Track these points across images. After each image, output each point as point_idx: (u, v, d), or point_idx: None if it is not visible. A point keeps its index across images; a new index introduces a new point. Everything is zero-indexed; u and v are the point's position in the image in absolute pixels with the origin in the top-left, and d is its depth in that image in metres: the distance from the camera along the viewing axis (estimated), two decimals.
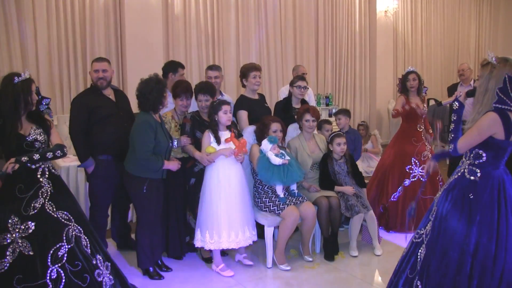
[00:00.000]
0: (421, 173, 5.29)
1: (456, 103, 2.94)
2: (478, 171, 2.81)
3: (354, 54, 9.77)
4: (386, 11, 9.93)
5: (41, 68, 6.39)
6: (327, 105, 9.27)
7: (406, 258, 3.05)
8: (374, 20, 9.86)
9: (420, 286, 2.86)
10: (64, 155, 3.38)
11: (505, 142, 2.74)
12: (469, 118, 2.83)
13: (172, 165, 4.01)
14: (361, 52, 9.87)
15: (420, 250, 2.95)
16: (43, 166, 3.26)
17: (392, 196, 5.32)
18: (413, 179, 5.29)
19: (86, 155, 4.26)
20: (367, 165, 7.56)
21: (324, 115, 8.59)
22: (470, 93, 2.96)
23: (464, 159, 2.93)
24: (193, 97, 4.46)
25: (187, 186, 4.43)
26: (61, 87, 6.58)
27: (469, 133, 2.79)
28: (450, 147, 2.89)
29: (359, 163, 7.21)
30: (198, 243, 4.17)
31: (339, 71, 9.59)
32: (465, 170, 2.87)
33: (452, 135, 2.88)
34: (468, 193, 2.80)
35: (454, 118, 2.91)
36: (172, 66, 4.91)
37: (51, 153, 3.26)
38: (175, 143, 4.19)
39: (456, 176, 2.92)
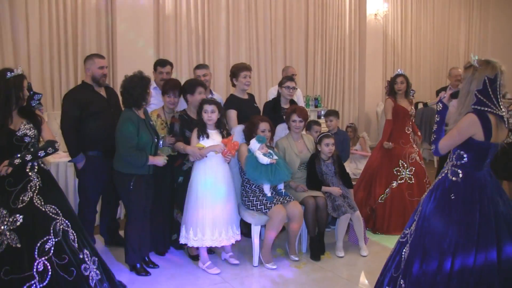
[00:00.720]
0: (408, 175, 5.35)
1: (440, 105, 3.00)
2: (460, 172, 2.86)
3: (344, 56, 9.84)
4: (376, 14, 10.01)
5: (33, 64, 6.40)
6: (316, 106, 9.32)
7: (392, 257, 3.10)
8: (364, 22, 9.93)
9: (403, 285, 2.90)
10: (56, 151, 3.41)
11: (485, 143, 2.79)
12: (451, 120, 2.88)
13: (158, 160, 4.02)
14: (351, 55, 9.94)
15: (404, 250, 2.99)
16: None
17: (379, 198, 5.37)
18: (401, 181, 5.35)
19: (76, 151, 4.29)
20: (355, 167, 7.63)
21: (313, 116, 8.64)
22: (454, 95, 3.00)
23: (448, 160, 2.98)
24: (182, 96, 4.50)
25: (175, 184, 4.45)
26: (52, 84, 6.58)
27: (450, 134, 2.85)
28: (432, 147, 2.95)
29: (347, 164, 7.25)
30: (182, 240, 4.20)
31: (328, 73, 9.66)
32: (448, 171, 2.92)
33: (435, 136, 2.94)
34: (449, 194, 2.84)
35: (437, 119, 2.97)
36: (154, 64, 4.99)
37: (43, 151, 3.29)
38: (161, 142, 4.22)
39: (440, 177, 2.98)
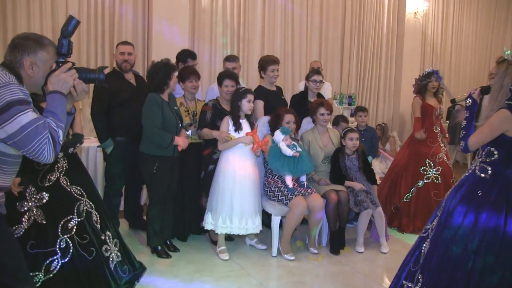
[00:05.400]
0: (435, 175, 5.26)
1: (469, 100, 2.90)
2: (489, 168, 2.74)
3: (380, 55, 9.68)
4: (415, 13, 9.79)
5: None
6: (349, 104, 9.25)
7: (411, 252, 3.05)
8: (403, 21, 9.72)
9: (421, 280, 2.84)
10: (81, 143, 3.62)
11: None
12: (482, 115, 2.78)
13: (182, 141, 4.12)
14: (387, 54, 9.77)
15: (424, 244, 2.93)
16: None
17: (404, 197, 5.32)
18: (427, 181, 5.28)
19: (105, 137, 4.44)
20: (385, 166, 7.53)
21: (346, 114, 8.60)
22: (485, 90, 2.90)
23: (476, 157, 2.87)
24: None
25: (205, 171, 4.51)
26: None
27: (481, 130, 2.74)
28: (461, 144, 2.85)
29: (377, 163, 7.23)
30: (208, 226, 4.28)
31: (363, 71, 9.53)
32: (476, 168, 2.81)
33: (464, 132, 2.83)
34: (476, 190, 2.73)
35: (467, 115, 2.87)
36: (182, 56, 5.03)
37: (73, 148, 3.50)
38: (189, 132, 4.33)
39: (466, 174, 2.87)
